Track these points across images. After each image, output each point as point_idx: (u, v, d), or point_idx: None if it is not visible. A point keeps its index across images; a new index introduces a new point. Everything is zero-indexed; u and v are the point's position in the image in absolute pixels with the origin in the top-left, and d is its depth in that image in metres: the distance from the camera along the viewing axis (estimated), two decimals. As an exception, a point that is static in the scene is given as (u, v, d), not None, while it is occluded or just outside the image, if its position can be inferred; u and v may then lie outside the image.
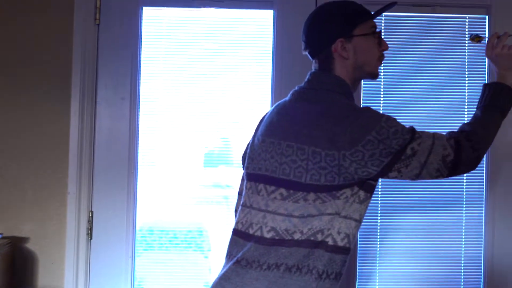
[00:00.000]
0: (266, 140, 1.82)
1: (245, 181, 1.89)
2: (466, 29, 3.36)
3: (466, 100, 3.20)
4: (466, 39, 2.44)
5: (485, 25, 3.34)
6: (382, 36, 1.96)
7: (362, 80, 2.08)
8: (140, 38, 3.23)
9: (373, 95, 3.25)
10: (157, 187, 3.18)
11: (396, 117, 1.89)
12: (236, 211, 2.05)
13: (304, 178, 1.70)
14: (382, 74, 3.22)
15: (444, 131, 1.99)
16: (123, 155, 3.14)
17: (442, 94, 3.23)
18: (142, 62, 3.21)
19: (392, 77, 3.24)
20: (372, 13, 1.95)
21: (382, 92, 3.21)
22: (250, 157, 1.88)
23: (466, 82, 3.22)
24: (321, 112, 1.73)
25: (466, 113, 3.22)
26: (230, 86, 3.20)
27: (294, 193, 1.72)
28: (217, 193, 3.07)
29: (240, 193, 2.05)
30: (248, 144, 2.02)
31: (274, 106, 1.94)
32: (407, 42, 3.23)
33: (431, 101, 3.23)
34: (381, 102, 3.22)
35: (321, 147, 1.68)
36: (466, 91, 3.22)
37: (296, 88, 1.91)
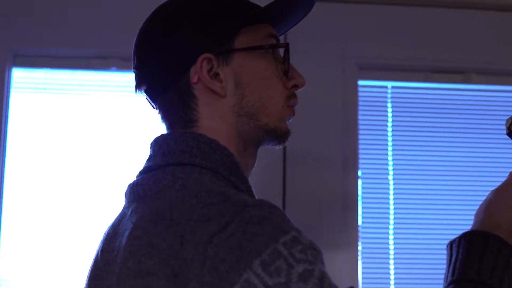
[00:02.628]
0: None
1: None
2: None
3: None
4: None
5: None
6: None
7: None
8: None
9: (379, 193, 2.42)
10: None
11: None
12: None
13: None
14: (391, 167, 2.47)
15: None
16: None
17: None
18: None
19: (409, 170, 2.47)
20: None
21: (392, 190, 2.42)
22: None
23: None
24: (159, 218, 0.94)
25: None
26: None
27: None
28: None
29: None
30: None
31: None
32: (428, 122, 2.48)
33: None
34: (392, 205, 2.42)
35: None
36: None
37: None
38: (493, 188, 1.16)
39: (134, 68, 1.11)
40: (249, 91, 1.06)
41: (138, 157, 2.32)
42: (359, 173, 2.35)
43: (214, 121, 1.06)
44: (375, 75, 2.41)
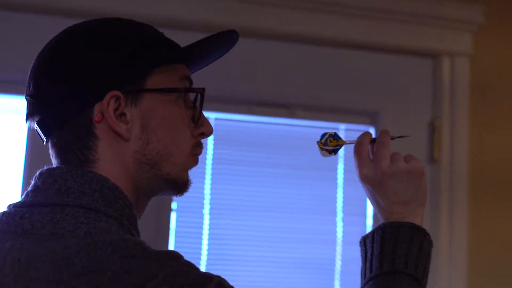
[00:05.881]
0: None
1: None
2: (341, 145, 2.37)
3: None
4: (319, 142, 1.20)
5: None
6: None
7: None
8: None
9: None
10: None
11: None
12: None
13: None
14: (208, 201, 2.33)
15: None
16: None
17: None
18: None
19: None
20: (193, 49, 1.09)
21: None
22: None
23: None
24: (64, 264, 0.82)
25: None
26: None
27: None
28: None
29: None
30: None
31: None
32: (251, 156, 2.36)
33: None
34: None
35: None
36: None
37: (6, 208, 0.98)
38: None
39: (28, 95, 1.01)
40: (156, 138, 1.00)
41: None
42: (174, 206, 2.24)
43: (114, 166, 0.98)
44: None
